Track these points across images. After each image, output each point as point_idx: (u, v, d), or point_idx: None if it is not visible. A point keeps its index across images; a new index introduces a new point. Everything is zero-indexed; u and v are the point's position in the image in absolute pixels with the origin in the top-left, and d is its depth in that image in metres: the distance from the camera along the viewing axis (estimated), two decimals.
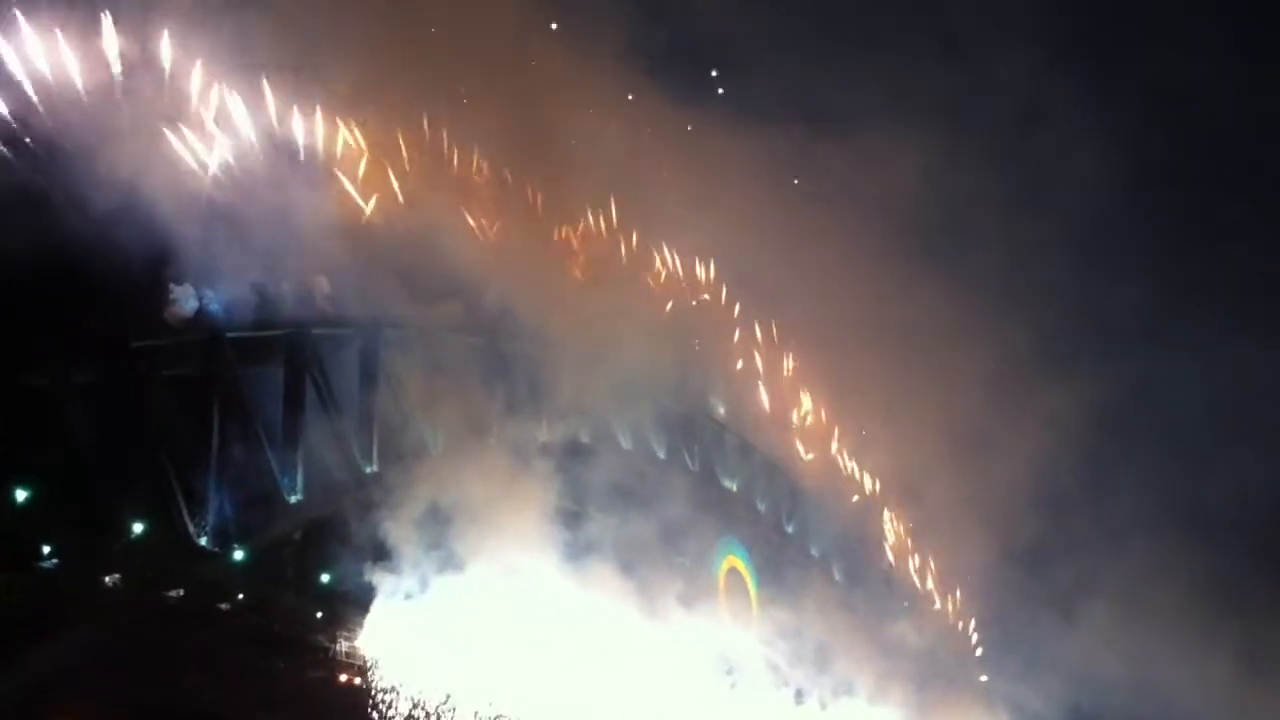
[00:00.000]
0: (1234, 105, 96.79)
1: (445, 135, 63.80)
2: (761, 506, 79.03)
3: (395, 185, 60.66)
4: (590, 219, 70.85)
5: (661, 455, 71.82)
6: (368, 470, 58.05)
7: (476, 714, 56.07)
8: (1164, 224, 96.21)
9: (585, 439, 66.57)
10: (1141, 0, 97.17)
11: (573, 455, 63.97)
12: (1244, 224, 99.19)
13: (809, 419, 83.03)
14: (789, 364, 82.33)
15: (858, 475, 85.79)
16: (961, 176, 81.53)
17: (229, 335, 54.06)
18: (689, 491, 70.75)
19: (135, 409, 51.29)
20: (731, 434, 77.53)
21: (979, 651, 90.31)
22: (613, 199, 71.31)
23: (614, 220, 71.64)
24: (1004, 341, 79.09)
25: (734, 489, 77.05)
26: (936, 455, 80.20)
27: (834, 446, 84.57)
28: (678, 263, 75.65)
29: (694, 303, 76.04)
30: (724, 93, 74.35)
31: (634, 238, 72.82)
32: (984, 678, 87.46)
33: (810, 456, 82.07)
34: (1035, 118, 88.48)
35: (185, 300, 52.88)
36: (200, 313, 53.38)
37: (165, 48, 53.20)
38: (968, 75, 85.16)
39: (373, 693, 55.07)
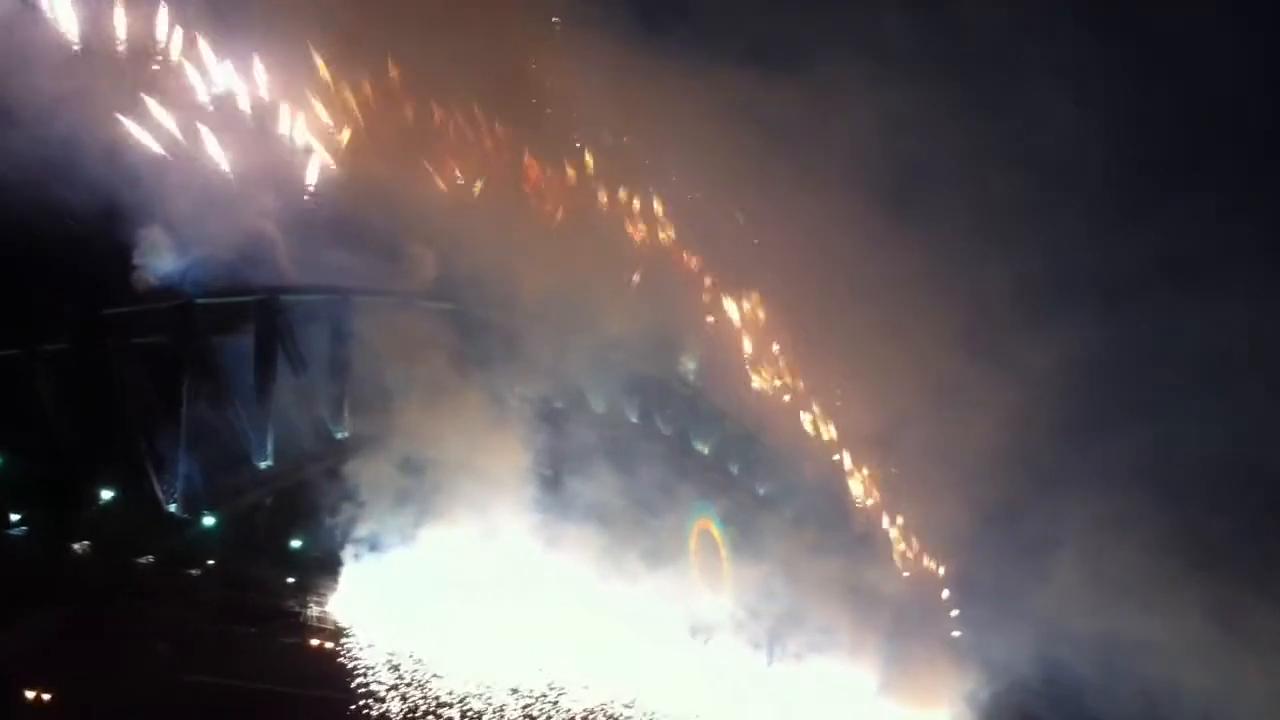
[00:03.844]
0: (1217, 49, 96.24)
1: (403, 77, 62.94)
2: (734, 469, 79.26)
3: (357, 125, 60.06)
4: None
5: (634, 419, 71.95)
6: (338, 436, 58.19)
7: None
8: (1141, 177, 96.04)
9: (558, 404, 66.65)
10: None
11: (545, 419, 63.95)
12: (1224, 176, 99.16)
13: (782, 376, 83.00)
14: (761, 317, 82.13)
15: (831, 434, 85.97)
16: (933, 127, 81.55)
17: (199, 302, 54.02)
18: (662, 455, 70.99)
19: (104, 376, 51.22)
20: (705, 398, 77.59)
21: (954, 611, 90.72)
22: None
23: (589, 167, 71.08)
24: (975, 296, 79.41)
25: (706, 452, 77.23)
26: (908, 411, 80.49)
27: (806, 404, 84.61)
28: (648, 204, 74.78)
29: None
30: (686, 35, 72.59)
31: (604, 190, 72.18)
32: (956, 633, 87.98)
33: (782, 415, 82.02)
34: (1011, 64, 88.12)
35: (157, 259, 52.80)
36: (170, 279, 53.28)
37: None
38: (941, 21, 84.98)
39: (345, 657, 55.57)
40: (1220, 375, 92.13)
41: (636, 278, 73.80)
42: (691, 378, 77.08)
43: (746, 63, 73.22)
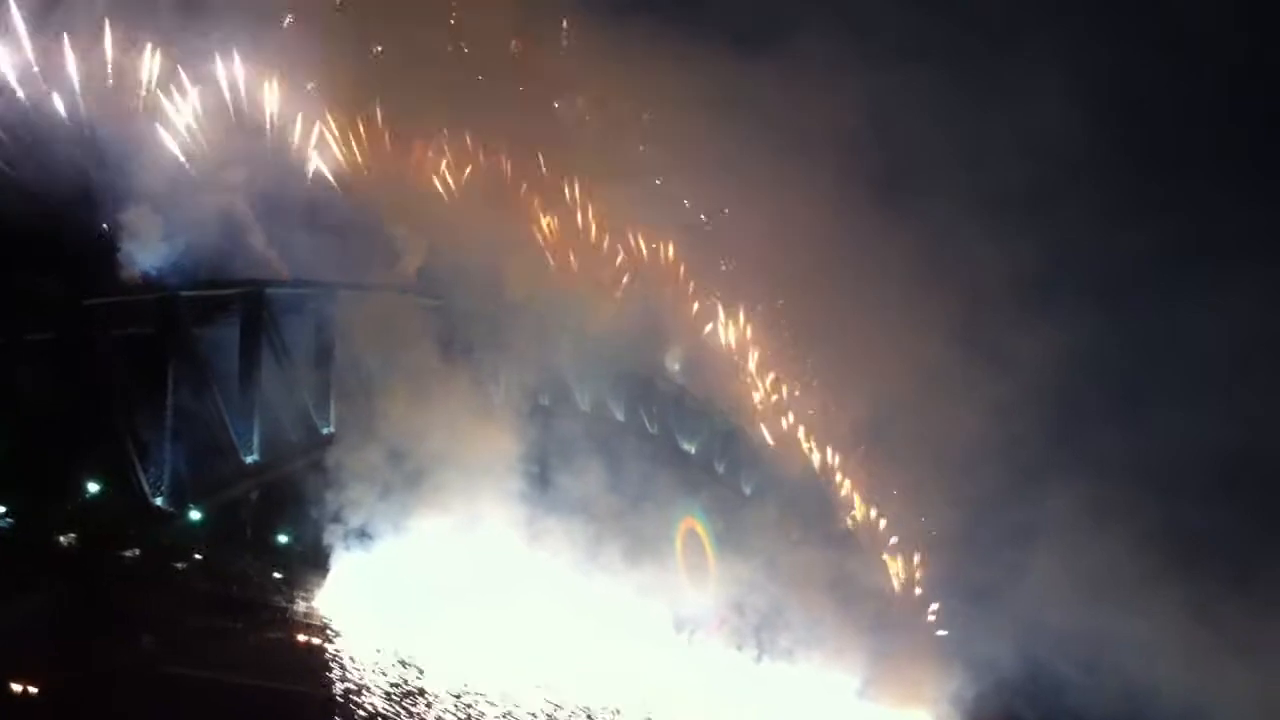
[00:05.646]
0: (1218, 36, 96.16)
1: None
2: (720, 468, 79.27)
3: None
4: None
5: (620, 418, 71.93)
6: (324, 430, 58.00)
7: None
8: (1135, 169, 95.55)
9: (544, 401, 66.61)
10: None
11: (531, 417, 63.83)
12: (1220, 171, 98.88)
13: (768, 373, 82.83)
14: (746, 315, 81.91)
15: (817, 429, 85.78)
16: (924, 118, 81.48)
17: (184, 294, 53.82)
18: (648, 454, 71.09)
19: (89, 368, 51.01)
20: (691, 397, 77.57)
21: (932, 606, 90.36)
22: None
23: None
24: (966, 287, 79.28)
25: (692, 451, 77.22)
26: (894, 405, 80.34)
27: (793, 400, 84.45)
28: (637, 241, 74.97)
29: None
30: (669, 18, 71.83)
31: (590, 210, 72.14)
32: (942, 632, 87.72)
33: (768, 411, 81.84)
34: (1005, 50, 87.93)
35: (142, 249, 52.68)
36: (154, 270, 53.11)
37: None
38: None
39: (330, 651, 55.30)
40: (1213, 371, 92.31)
41: (625, 279, 73.57)
42: (677, 375, 76.90)
43: (735, 46, 72.55)
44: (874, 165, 77.07)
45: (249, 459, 55.61)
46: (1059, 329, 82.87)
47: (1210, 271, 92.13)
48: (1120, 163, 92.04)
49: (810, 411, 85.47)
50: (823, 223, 73.75)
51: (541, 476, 62.96)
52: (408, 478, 57.13)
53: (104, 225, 51.27)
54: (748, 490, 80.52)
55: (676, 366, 77.34)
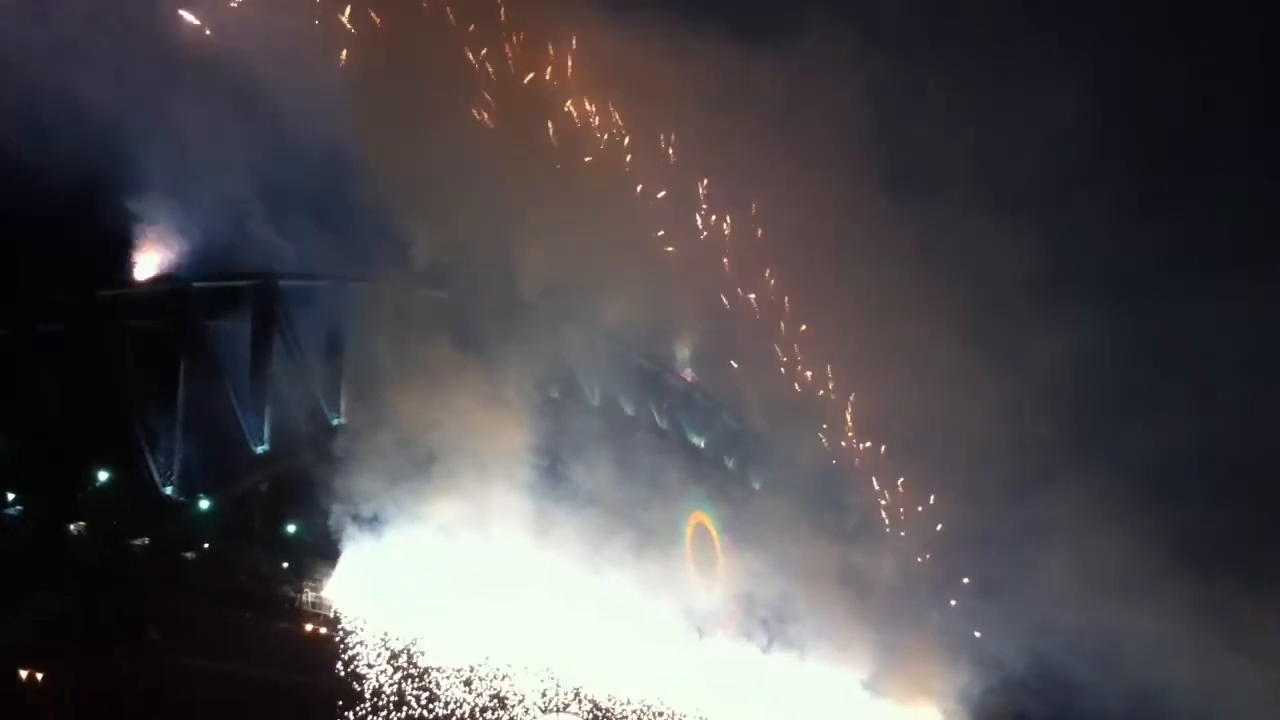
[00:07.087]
0: (1225, 22, 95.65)
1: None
2: (729, 463, 79.22)
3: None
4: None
5: (630, 412, 71.92)
6: (334, 421, 58.21)
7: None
8: (1149, 162, 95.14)
9: (554, 394, 66.60)
10: None
11: (541, 410, 63.80)
12: (1235, 165, 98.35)
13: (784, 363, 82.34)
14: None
15: (832, 421, 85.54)
16: (939, 110, 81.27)
17: (196, 285, 54.05)
18: (657, 448, 70.97)
19: (101, 359, 51.28)
20: (700, 392, 77.50)
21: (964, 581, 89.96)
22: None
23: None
24: (979, 284, 79.10)
25: (701, 445, 77.21)
26: (907, 399, 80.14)
27: (808, 391, 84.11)
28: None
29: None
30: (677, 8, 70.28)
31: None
32: (978, 634, 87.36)
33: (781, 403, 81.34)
34: (1012, 36, 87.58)
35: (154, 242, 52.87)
36: (168, 262, 53.34)
37: None
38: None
39: (339, 642, 55.48)
40: (1222, 372, 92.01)
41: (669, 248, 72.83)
42: (687, 369, 76.78)
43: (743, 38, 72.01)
44: (886, 162, 76.92)
45: (259, 449, 55.90)
46: (1072, 328, 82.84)
47: (1224, 272, 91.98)
48: (1141, 161, 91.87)
49: (822, 402, 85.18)
50: (835, 217, 73.53)
51: (550, 470, 62.96)
52: (417, 468, 57.13)
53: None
54: (757, 484, 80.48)
55: (686, 352, 77.05)
